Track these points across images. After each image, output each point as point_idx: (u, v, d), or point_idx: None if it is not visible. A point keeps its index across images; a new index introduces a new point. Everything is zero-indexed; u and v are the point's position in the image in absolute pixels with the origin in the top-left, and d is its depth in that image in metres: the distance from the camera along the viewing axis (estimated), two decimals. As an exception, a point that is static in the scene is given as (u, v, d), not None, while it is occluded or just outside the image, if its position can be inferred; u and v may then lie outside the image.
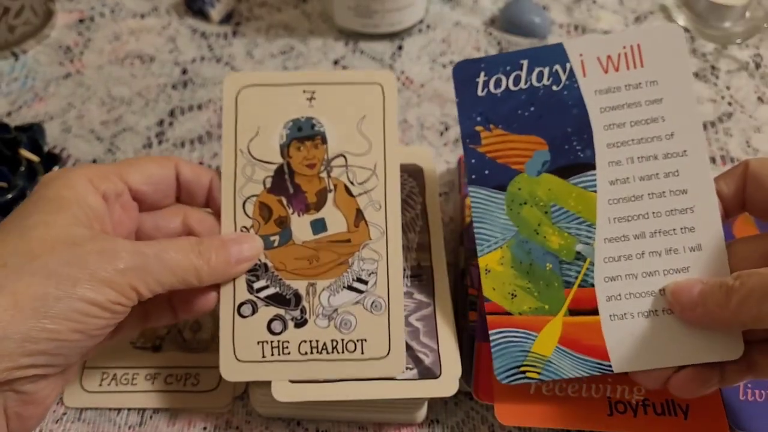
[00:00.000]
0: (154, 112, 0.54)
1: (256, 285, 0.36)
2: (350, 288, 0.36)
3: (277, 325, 0.35)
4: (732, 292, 0.30)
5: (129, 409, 0.39)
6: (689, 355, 0.33)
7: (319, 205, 0.37)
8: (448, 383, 0.36)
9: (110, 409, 0.39)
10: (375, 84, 0.38)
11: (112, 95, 0.54)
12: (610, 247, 0.35)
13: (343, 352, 0.35)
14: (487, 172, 0.36)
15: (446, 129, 0.53)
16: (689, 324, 0.33)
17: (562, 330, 0.34)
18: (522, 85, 0.36)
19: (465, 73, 0.37)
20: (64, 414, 0.39)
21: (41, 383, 0.31)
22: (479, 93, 0.37)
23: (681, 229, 0.34)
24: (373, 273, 0.36)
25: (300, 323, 0.35)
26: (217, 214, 0.37)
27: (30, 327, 0.29)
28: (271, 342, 0.35)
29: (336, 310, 0.36)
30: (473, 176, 0.37)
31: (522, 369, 0.35)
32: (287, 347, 0.35)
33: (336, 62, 0.57)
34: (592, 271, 0.35)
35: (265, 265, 0.36)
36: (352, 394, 0.35)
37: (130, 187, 0.35)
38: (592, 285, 0.35)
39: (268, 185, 0.36)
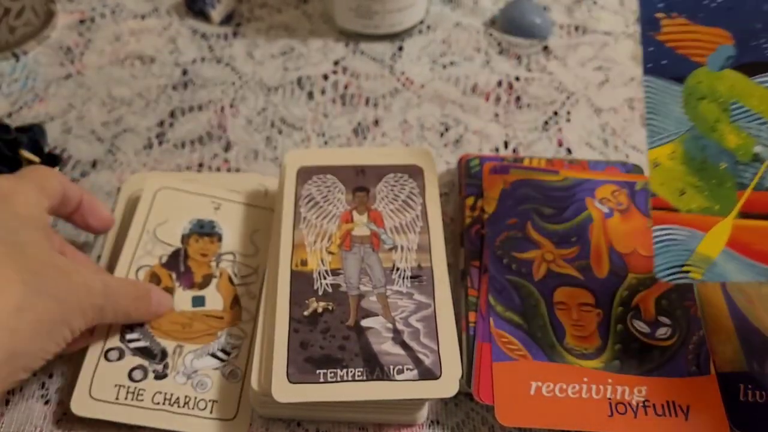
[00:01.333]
0: (155, 112, 0.54)
1: (129, 336, 0.40)
2: (213, 355, 0.40)
3: (137, 374, 0.39)
4: None
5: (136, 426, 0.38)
6: None
7: (203, 285, 0.42)
8: (448, 384, 0.36)
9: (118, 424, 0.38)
10: (268, 209, 0.46)
11: (112, 96, 0.55)
12: None
13: (193, 408, 0.38)
14: (664, 61, 0.34)
15: (446, 130, 0.53)
16: None
17: (731, 232, 0.33)
18: None
19: None
20: (65, 414, 0.39)
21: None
22: None
23: None
24: (236, 347, 0.40)
25: (160, 376, 0.39)
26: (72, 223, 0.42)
27: (40, 347, 0.32)
28: (128, 387, 0.38)
29: (196, 371, 0.39)
30: (649, 65, 0.35)
31: (685, 269, 0.34)
32: (142, 394, 0.38)
33: (336, 62, 0.57)
34: None
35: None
36: (353, 395, 0.35)
37: (61, 199, 0.39)
38: None
39: (164, 261, 0.43)
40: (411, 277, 0.40)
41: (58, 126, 0.52)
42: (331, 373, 0.36)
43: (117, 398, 0.38)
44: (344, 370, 0.36)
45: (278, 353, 0.36)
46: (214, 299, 0.42)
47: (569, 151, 0.52)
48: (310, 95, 0.55)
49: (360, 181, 0.44)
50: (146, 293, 0.39)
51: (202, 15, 0.60)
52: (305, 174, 0.44)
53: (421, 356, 0.36)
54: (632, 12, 0.62)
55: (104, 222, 0.42)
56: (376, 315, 0.38)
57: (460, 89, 0.56)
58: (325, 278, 0.40)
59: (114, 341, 0.39)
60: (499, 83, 0.56)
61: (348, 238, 0.41)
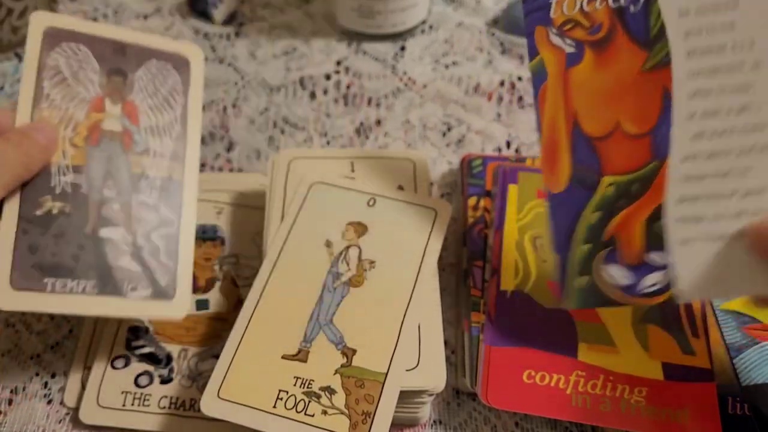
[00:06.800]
0: (157, 112, 0.54)
1: (134, 343, 0.40)
2: (217, 357, 0.36)
3: (143, 379, 0.39)
4: None
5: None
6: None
7: (207, 289, 0.42)
8: (179, 304, 0.35)
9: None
10: (260, 208, 0.43)
11: (115, 96, 0.55)
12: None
13: (199, 410, 0.36)
14: None
15: (449, 129, 0.53)
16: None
17: None
18: None
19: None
20: (67, 414, 0.39)
21: None
22: None
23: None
24: None
25: (166, 380, 0.39)
26: None
27: None
28: (134, 393, 0.38)
29: (201, 373, 0.38)
30: None
31: None
32: (148, 399, 0.38)
33: (339, 62, 0.57)
34: None
35: (147, 328, 0.40)
36: (81, 309, 0.34)
37: None
38: None
39: None
40: (160, 188, 0.36)
41: (60, 126, 0.52)
42: (60, 282, 0.33)
43: (124, 405, 0.38)
44: (75, 281, 0.33)
45: (2, 255, 0.33)
46: (218, 302, 0.42)
47: (572, 151, 0.52)
48: (313, 95, 0.55)
49: (118, 62, 0.38)
50: (21, 135, 0.33)
51: (205, 15, 0.60)
52: (53, 38, 0.36)
53: (157, 275, 0.35)
54: (635, 12, 0.62)
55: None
56: (117, 225, 0.35)
57: (463, 89, 0.55)
58: (64, 175, 0.35)
59: (120, 350, 0.40)
60: (502, 83, 0.56)
61: (97, 131, 0.36)
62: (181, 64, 0.39)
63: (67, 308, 0.33)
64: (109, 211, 0.35)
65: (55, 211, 0.34)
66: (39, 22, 0.36)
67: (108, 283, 0.34)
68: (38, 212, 0.34)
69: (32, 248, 0.33)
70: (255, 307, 0.37)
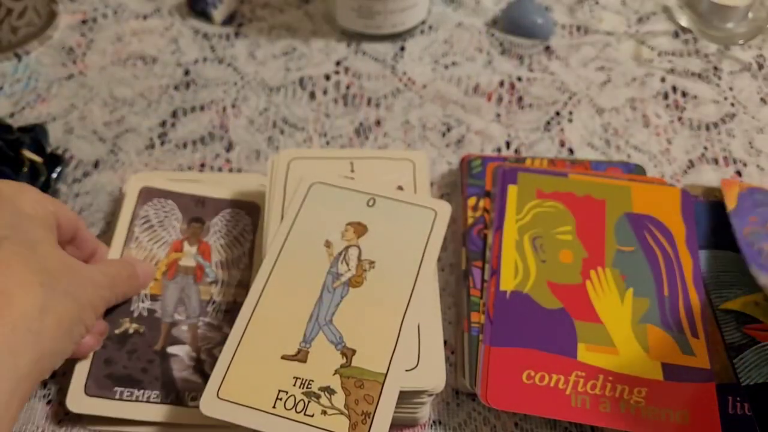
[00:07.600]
0: (157, 113, 0.54)
1: None
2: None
3: None
4: None
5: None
6: None
7: None
8: None
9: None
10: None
11: (114, 96, 0.55)
12: None
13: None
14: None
15: (448, 130, 0.53)
16: None
17: None
18: None
19: None
20: (67, 414, 0.39)
21: None
22: None
23: None
24: None
25: None
26: None
27: (62, 347, 0.32)
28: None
29: None
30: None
31: None
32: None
33: (338, 63, 0.57)
34: None
35: None
36: (145, 415, 0.37)
37: (58, 218, 0.37)
38: None
39: None
40: (225, 311, 0.41)
41: (60, 126, 0.52)
42: (128, 392, 0.38)
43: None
44: (141, 391, 0.38)
45: (81, 364, 0.38)
46: None
47: (571, 151, 0.52)
48: (312, 95, 0.55)
49: (198, 212, 0.45)
50: (134, 269, 0.40)
51: (204, 15, 0.60)
52: (147, 194, 0.45)
53: None
54: (634, 12, 0.62)
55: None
56: (184, 344, 0.40)
57: (462, 89, 0.56)
58: (143, 302, 0.41)
59: None
60: (501, 83, 0.56)
61: (174, 267, 0.42)
62: (252, 210, 0.45)
63: (132, 414, 0.37)
64: (177, 332, 0.40)
65: (131, 331, 0.39)
66: (137, 182, 0.45)
67: (171, 393, 0.38)
68: (117, 331, 0.39)
69: (108, 361, 0.38)
70: (255, 307, 0.37)
